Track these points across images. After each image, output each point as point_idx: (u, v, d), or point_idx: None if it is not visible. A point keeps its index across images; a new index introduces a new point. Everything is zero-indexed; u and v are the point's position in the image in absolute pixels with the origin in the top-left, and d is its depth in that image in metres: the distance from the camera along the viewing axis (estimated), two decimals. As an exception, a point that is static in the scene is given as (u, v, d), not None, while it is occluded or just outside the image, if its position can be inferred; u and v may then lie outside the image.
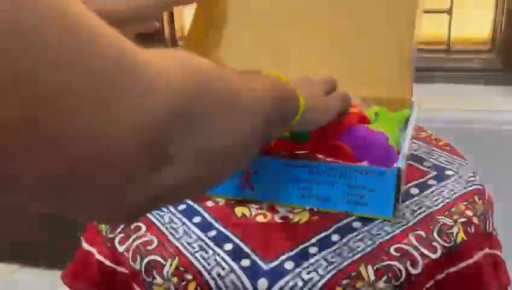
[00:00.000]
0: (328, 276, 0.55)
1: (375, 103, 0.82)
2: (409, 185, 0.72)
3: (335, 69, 0.87)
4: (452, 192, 0.69)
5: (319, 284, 0.54)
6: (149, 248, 0.60)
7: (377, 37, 0.87)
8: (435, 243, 0.60)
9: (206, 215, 0.65)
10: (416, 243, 0.59)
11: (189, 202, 0.68)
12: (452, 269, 0.61)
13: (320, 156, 0.65)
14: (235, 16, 0.96)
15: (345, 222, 0.63)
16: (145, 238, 0.61)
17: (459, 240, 0.61)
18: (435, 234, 0.61)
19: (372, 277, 0.55)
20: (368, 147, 0.68)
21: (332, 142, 0.68)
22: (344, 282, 0.55)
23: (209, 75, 0.36)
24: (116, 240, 0.62)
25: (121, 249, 0.61)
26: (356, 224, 0.63)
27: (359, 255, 0.57)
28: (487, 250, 0.69)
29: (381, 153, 0.67)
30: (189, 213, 0.65)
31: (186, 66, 0.34)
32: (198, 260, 0.57)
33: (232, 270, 0.56)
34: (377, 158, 0.66)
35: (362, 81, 0.86)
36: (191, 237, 0.61)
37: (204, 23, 0.98)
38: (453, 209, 0.65)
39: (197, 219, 0.64)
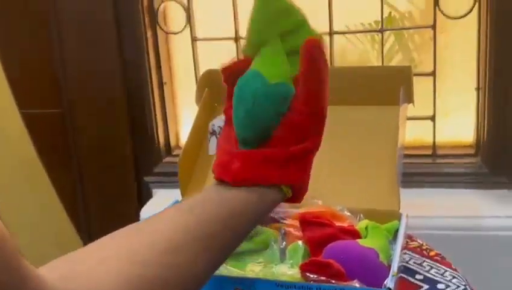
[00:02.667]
0: None
1: (364, 215, 0.84)
2: (402, 300, 0.72)
3: (326, 184, 0.89)
4: (444, 308, 0.70)
5: None
6: None
7: (366, 159, 0.90)
8: None
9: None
10: None
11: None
12: None
13: (311, 275, 0.66)
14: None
15: None
16: None
17: None
18: None
19: None
20: (359, 264, 0.69)
21: (323, 259, 0.69)
22: None
23: None
24: None
25: None
26: None
27: None
28: None
29: (372, 271, 0.69)
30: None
31: None
32: None
33: None
34: (368, 276, 0.67)
35: (352, 194, 0.88)
36: None
37: (202, 135, 1.02)
38: (445, 327, 0.66)
39: None
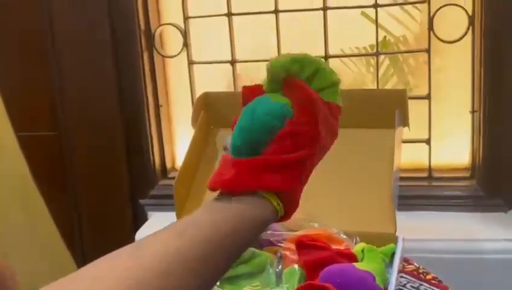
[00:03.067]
0: None
1: (361, 238, 0.84)
2: (399, 324, 0.71)
3: (322, 207, 0.90)
4: (441, 332, 0.69)
5: None
6: None
7: (362, 182, 0.91)
8: None
9: None
10: None
11: None
12: None
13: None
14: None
15: None
16: None
17: None
18: None
19: None
20: (356, 288, 0.69)
21: (319, 283, 0.69)
22: None
23: None
24: None
25: None
26: None
27: None
28: None
29: (369, 294, 0.68)
30: None
31: None
32: None
33: None
34: (364, 299, 0.67)
35: (348, 217, 0.88)
36: None
37: (197, 158, 1.02)
38: None
39: None
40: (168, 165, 1.50)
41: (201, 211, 0.52)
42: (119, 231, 1.49)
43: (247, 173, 0.53)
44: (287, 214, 0.55)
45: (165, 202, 1.34)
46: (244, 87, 0.60)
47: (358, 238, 0.84)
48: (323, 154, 0.59)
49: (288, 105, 0.55)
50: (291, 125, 0.54)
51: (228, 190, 0.52)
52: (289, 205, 0.54)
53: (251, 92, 0.59)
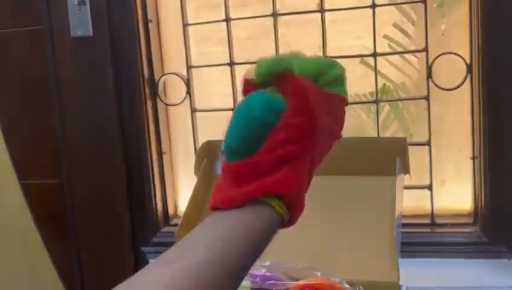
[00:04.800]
0: None
1: (364, 287, 0.83)
2: None
3: (324, 255, 0.89)
4: None
5: None
6: None
7: (364, 230, 0.91)
8: None
9: None
10: None
11: None
12: None
13: None
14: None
15: None
16: None
17: None
18: None
19: None
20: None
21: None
22: None
23: None
24: None
25: None
26: None
27: None
28: None
29: None
30: None
31: None
32: None
33: None
34: None
35: (351, 265, 0.88)
36: None
37: (200, 205, 1.03)
38: None
39: None
40: (171, 212, 1.50)
41: (196, 231, 0.50)
42: (120, 278, 1.47)
43: (242, 180, 0.50)
44: (292, 219, 0.52)
45: (167, 249, 1.33)
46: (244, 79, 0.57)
47: (361, 287, 0.83)
48: (328, 147, 0.56)
49: (283, 99, 0.53)
50: (286, 118, 0.51)
51: (227, 205, 0.50)
52: (294, 208, 0.51)
53: (248, 86, 0.57)
